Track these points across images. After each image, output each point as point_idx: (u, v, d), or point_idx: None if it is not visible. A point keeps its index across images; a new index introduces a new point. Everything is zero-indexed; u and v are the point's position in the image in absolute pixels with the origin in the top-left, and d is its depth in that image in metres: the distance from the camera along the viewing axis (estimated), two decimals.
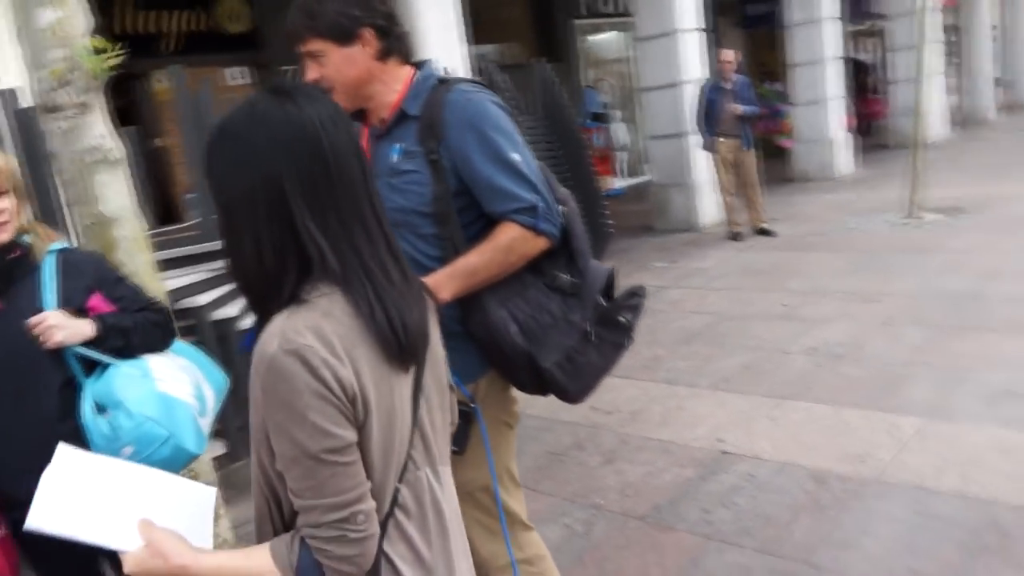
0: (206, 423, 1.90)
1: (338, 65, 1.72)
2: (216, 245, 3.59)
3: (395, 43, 1.77)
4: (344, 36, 1.70)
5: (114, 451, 1.71)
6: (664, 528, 2.92)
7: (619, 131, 13.45)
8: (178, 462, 1.80)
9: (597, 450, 3.64)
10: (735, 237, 7.81)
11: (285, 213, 1.02)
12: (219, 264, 3.58)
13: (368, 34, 1.71)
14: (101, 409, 1.76)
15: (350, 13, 1.68)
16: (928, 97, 10.05)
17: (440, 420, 1.20)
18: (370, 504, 1.04)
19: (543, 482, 3.33)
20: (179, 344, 2.01)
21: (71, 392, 1.81)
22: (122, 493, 1.17)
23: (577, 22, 12.86)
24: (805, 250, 6.97)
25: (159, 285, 2.27)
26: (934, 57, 12.66)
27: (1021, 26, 16.44)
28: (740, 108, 7.39)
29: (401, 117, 1.77)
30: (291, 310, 1.02)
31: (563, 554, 2.74)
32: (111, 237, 2.21)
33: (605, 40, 14.01)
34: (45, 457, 1.81)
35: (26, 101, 3.18)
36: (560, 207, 1.77)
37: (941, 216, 7.34)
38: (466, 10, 6.52)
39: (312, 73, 1.74)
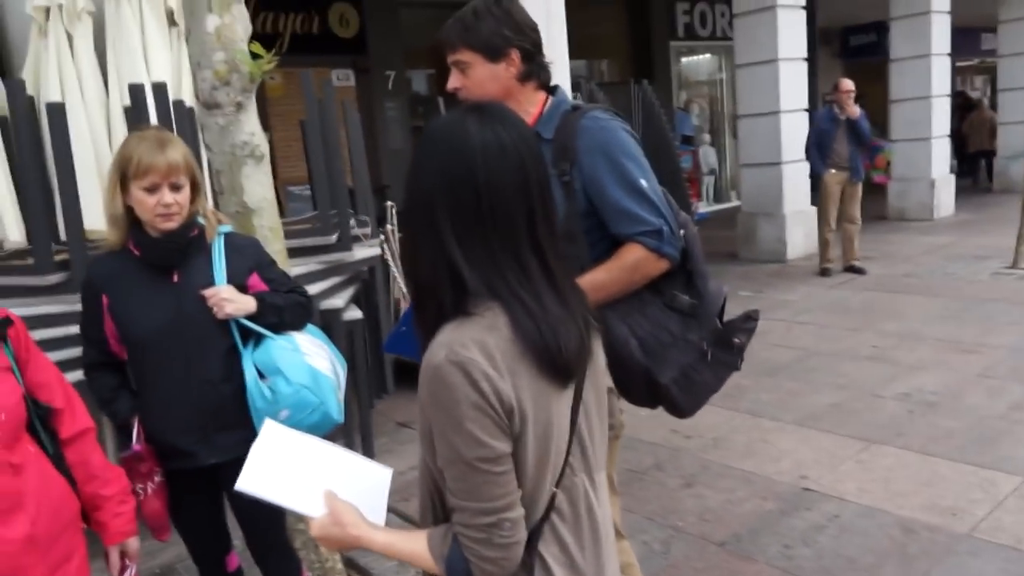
0: (340, 396, 2.09)
1: (482, 78, 1.84)
2: (328, 240, 3.77)
3: (536, 69, 1.89)
4: (493, 53, 1.82)
5: (272, 413, 1.90)
6: (743, 557, 2.92)
7: (708, 155, 13.36)
8: (323, 428, 2.00)
9: (677, 472, 3.66)
10: (824, 272, 7.65)
11: (435, 230, 1.09)
12: (329, 257, 3.76)
13: (515, 55, 1.83)
14: (261, 376, 1.95)
15: (503, 33, 1.81)
16: None
17: (598, 428, 1.24)
18: (518, 512, 1.09)
19: (623, 498, 3.33)
20: (309, 326, 2.19)
21: (233, 358, 2.02)
22: (313, 466, 1.30)
23: (673, 43, 12.84)
24: (899, 292, 6.79)
25: (289, 272, 2.42)
26: None
27: None
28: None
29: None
30: (459, 321, 1.08)
31: (641, 570, 2.77)
32: (252, 225, 2.37)
33: (699, 63, 13.95)
34: (209, 414, 2.04)
35: (172, 95, 3.44)
36: (681, 231, 1.85)
37: None
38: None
39: (455, 82, 1.88)
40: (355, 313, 3.96)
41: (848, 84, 7.34)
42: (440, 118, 1.17)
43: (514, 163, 1.11)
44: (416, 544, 1.14)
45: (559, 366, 1.11)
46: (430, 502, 1.18)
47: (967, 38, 17.25)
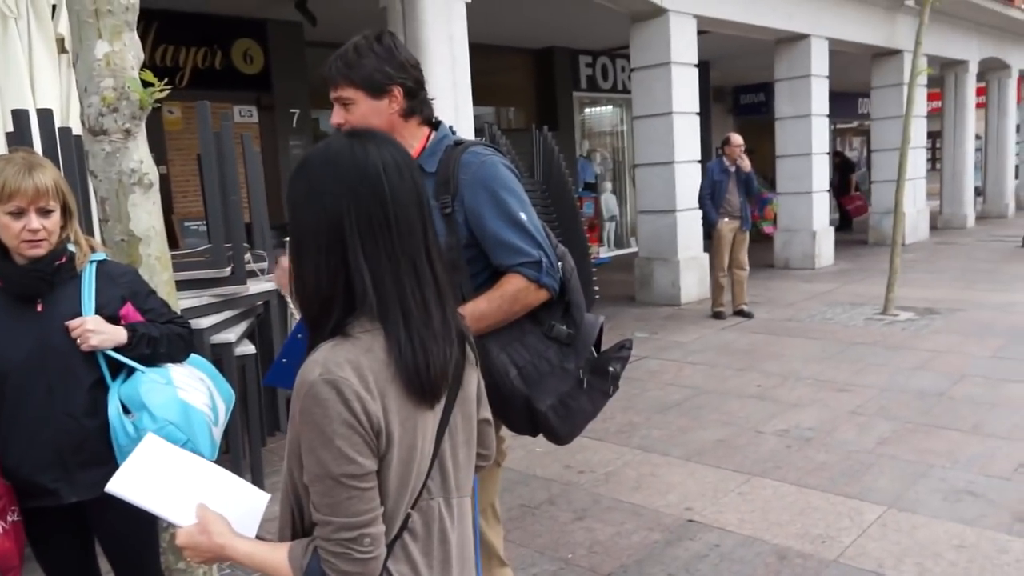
0: (217, 432, 2.03)
1: (364, 114, 1.88)
2: (222, 272, 3.71)
3: (419, 105, 1.95)
4: (375, 89, 1.86)
5: None
6: None
7: (609, 202, 13.82)
8: None
9: (569, 507, 3.73)
10: (717, 316, 8.01)
11: (340, 247, 1.13)
12: (222, 291, 3.69)
13: (397, 92, 1.88)
14: (127, 410, 1.89)
15: (384, 70, 1.86)
16: (908, 199, 10.46)
17: (464, 455, 1.28)
18: (379, 529, 1.12)
19: (514, 532, 3.41)
20: (195, 357, 2.14)
21: (99, 392, 1.93)
22: (190, 481, 1.31)
23: (576, 94, 13.33)
24: (782, 335, 7.18)
25: (176, 303, 2.38)
26: (917, 161, 13.20)
27: (1006, 138, 17.10)
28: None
29: None
30: (336, 342, 1.12)
31: None
32: (138, 254, 2.32)
33: (601, 113, 14.51)
34: (71, 450, 1.94)
35: (59, 122, 3.34)
36: (559, 263, 1.93)
37: (914, 315, 7.60)
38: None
39: (337, 117, 1.91)
40: (248, 348, 3.89)
41: (739, 139, 7.83)
42: (326, 145, 1.19)
43: (409, 180, 1.19)
44: (277, 555, 1.16)
45: (425, 386, 1.15)
46: (290, 517, 1.19)
47: (846, 102, 18.68)
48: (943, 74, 15.15)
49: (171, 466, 1.35)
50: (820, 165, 11.28)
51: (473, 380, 1.31)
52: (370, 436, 1.09)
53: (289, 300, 4.41)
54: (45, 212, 1.88)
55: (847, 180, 16.82)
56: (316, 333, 1.17)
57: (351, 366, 1.09)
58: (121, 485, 1.29)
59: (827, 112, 11.37)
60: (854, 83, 15.65)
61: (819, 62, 11.00)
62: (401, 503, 1.16)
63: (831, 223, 11.95)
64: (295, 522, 1.19)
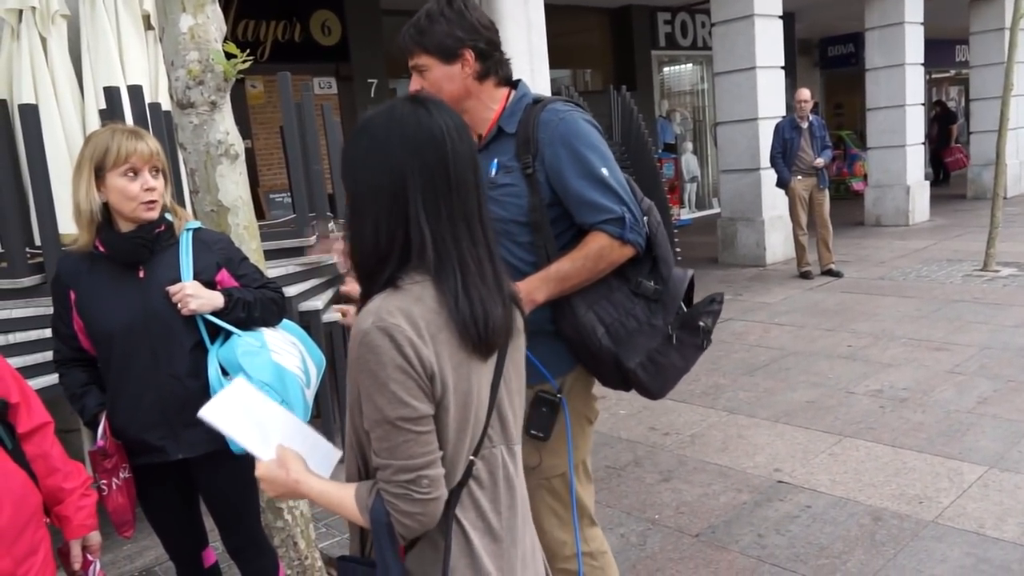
0: (310, 394, 2.08)
1: (439, 80, 1.87)
2: (307, 241, 3.81)
3: (494, 66, 1.91)
4: (447, 55, 1.85)
5: None
6: (717, 547, 2.97)
7: (690, 163, 13.49)
8: None
9: (655, 468, 3.71)
10: (804, 275, 7.77)
11: (403, 204, 1.17)
12: (308, 259, 3.79)
13: (469, 55, 1.86)
14: (224, 372, 1.95)
15: (455, 34, 1.84)
16: (1011, 150, 9.82)
17: (519, 404, 1.32)
18: (437, 471, 1.15)
19: (600, 493, 3.41)
20: (287, 322, 2.20)
21: (200, 354, 2.02)
22: (272, 423, 1.38)
23: (655, 53, 13.00)
24: (874, 293, 6.90)
25: (265, 271, 2.45)
26: (1020, 110, 12.36)
27: None
28: (822, 161, 7.47)
29: (498, 134, 1.91)
30: (388, 292, 1.17)
31: (617, 561, 2.78)
32: (227, 224, 2.40)
33: (680, 72, 14.12)
34: (175, 410, 2.03)
35: (148, 98, 3.47)
36: (645, 218, 1.89)
37: (1017, 271, 7.18)
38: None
39: (415, 84, 1.90)
40: (335, 315, 3.99)
41: (804, 94, 7.57)
42: (389, 108, 1.23)
43: (467, 144, 1.23)
44: (347, 494, 1.21)
45: (481, 339, 1.19)
46: (355, 468, 1.24)
47: (942, 49, 17.58)
48: None
49: (256, 408, 1.43)
50: (915, 117, 10.70)
51: (522, 340, 1.34)
52: (423, 380, 1.13)
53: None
54: (157, 171, 1.97)
55: (947, 131, 15.90)
56: (369, 287, 1.21)
57: (402, 314, 1.13)
58: (213, 413, 1.38)
59: (922, 61, 10.75)
60: (950, 29, 14.68)
61: (913, 8, 10.39)
62: (461, 449, 1.20)
63: (926, 177, 11.34)
64: (360, 469, 1.25)
